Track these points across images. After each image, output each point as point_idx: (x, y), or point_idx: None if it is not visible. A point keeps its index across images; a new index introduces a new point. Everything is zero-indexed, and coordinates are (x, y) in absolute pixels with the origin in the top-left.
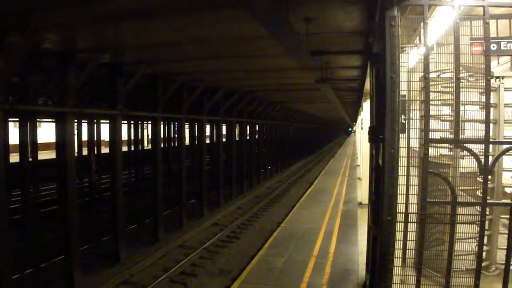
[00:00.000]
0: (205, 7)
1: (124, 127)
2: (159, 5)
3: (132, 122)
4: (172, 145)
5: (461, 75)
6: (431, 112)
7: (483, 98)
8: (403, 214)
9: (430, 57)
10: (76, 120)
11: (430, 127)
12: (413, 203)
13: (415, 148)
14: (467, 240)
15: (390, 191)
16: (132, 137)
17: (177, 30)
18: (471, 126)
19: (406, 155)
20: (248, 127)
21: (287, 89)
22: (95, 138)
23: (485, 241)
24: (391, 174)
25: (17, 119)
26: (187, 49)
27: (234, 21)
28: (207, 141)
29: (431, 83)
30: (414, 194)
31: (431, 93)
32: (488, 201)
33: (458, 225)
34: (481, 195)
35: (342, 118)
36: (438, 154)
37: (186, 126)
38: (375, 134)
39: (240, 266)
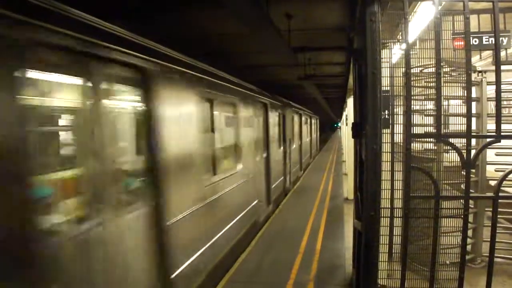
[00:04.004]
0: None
1: None
2: None
3: None
4: None
5: (444, 69)
6: (416, 107)
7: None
8: (388, 209)
9: (413, 53)
10: None
11: (415, 122)
12: (398, 198)
13: (399, 143)
14: (452, 234)
15: (373, 186)
16: None
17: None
18: (455, 120)
19: (390, 150)
20: None
21: (270, 87)
22: None
23: (470, 234)
24: (374, 169)
25: None
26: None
27: (213, 18)
28: None
29: (414, 78)
30: (398, 189)
31: (415, 88)
32: (471, 194)
33: (443, 219)
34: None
35: (327, 114)
36: (423, 148)
37: None
38: (358, 130)
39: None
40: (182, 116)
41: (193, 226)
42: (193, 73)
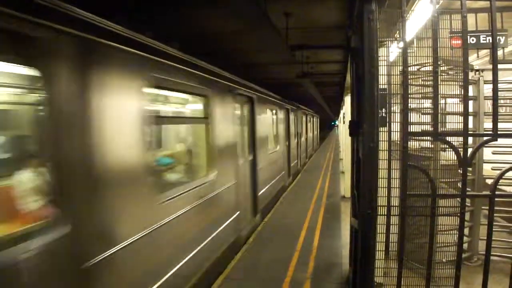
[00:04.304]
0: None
1: None
2: None
3: None
4: None
5: (441, 68)
6: (413, 106)
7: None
8: (385, 207)
9: (410, 51)
10: None
11: (412, 120)
12: (395, 196)
13: (396, 141)
14: (449, 232)
15: (370, 184)
16: None
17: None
18: (452, 119)
19: (387, 149)
20: None
21: (268, 84)
22: None
23: (467, 232)
24: (371, 167)
25: None
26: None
27: (213, 17)
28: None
29: (411, 77)
30: (395, 187)
31: (412, 87)
32: (468, 192)
33: (441, 217)
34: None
35: (325, 112)
36: (420, 147)
37: None
38: (355, 128)
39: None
40: (262, 118)
41: (264, 173)
42: (264, 96)
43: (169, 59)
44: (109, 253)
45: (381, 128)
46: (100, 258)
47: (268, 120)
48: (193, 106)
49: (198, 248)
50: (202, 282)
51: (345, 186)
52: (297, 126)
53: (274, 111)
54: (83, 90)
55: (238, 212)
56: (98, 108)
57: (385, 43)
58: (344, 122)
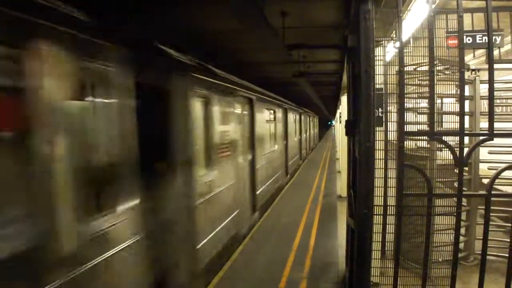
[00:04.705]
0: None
1: None
2: None
3: None
4: None
5: (437, 68)
6: (409, 105)
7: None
8: (381, 207)
9: (406, 51)
10: None
11: (409, 120)
12: (391, 196)
13: (393, 141)
14: (445, 231)
15: (367, 184)
16: None
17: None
18: (449, 119)
19: (383, 148)
20: None
21: (264, 84)
22: None
23: (463, 232)
24: (367, 167)
25: None
26: None
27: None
28: None
29: (408, 76)
30: (392, 187)
31: (408, 86)
32: (464, 192)
33: (437, 216)
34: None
35: (322, 112)
36: (416, 146)
37: None
38: (351, 128)
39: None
40: (289, 120)
41: (290, 153)
42: (291, 106)
43: (272, 98)
44: (259, 165)
45: (378, 127)
46: (259, 167)
47: (292, 120)
48: (273, 115)
49: (271, 179)
50: (277, 192)
51: (342, 185)
52: (305, 125)
53: (295, 115)
54: (269, 114)
55: (282, 169)
56: (263, 118)
57: (381, 42)
58: (340, 122)
